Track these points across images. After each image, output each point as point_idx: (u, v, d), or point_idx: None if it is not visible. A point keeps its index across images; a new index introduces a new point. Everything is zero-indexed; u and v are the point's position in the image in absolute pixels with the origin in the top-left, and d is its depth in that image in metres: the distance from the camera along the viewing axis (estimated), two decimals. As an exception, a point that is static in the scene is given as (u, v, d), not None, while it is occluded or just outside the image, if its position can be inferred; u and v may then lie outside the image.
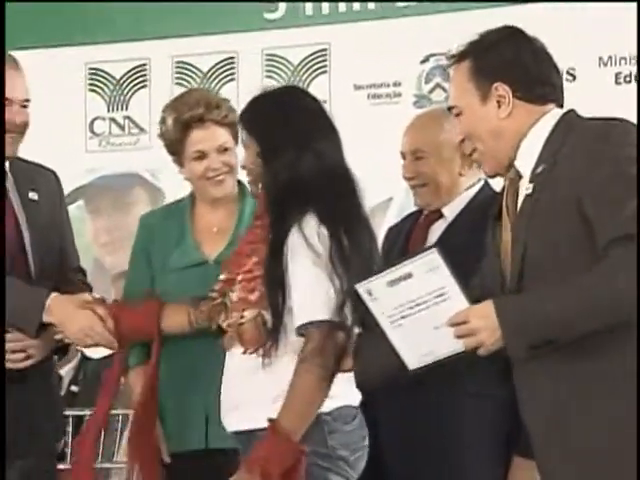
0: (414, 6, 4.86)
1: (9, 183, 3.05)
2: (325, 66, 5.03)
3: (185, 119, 2.99)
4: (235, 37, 5.08)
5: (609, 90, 4.58)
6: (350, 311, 2.51)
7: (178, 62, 5.21)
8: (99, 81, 5.32)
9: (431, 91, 4.88)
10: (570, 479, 2.31)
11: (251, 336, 2.59)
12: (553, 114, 2.38)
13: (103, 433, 4.35)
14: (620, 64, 4.62)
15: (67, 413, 3.66)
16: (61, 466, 3.86)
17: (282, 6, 5.06)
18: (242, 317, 2.61)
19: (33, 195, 3.07)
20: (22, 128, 3.01)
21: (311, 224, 2.55)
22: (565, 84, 2.46)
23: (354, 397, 2.66)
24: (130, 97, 5.31)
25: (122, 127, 5.32)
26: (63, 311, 2.85)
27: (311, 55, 5.04)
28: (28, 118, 3.02)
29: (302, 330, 2.53)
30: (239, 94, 3.10)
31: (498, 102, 2.38)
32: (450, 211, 2.94)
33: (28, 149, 3.09)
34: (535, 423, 2.38)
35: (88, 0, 5.18)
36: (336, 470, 2.59)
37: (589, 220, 2.24)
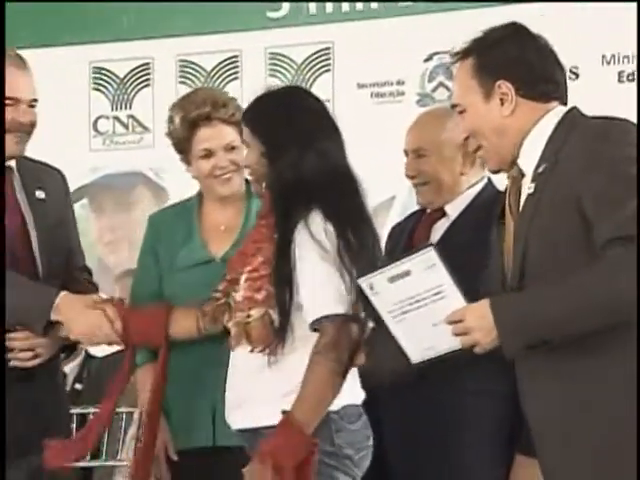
0: (417, 5, 4.86)
1: (16, 182, 3.05)
2: (328, 65, 5.04)
3: (192, 117, 3.00)
4: (239, 36, 5.09)
5: (612, 88, 4.59)
6: (362, 306, 2.52)
7: (182, 61, 5.22)
8: (103, 80, 5.33)
9: (434, 90, 4.89)
10: (571, 478, 2.32)
11: (259, 335, 2.60)
12: (556, 112, 2.38)
13: (107, 431, 4.39)
14: (623, 62, 4.62)
15: (71, 411, 3.66)
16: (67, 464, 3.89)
17: (285, 5, 5.07)
18: (249, 316, 2.62)
19: (40, 194, 3.07)
20: (29, 128, 3.01)
21: (317, 221, 2.56)
22: (568, 82, 2.45)
23: (358, 396, 2.67)
24: (134, 96, 5.31)
25: (126, 126, 5.33)
26: (72, 310, 2.85)
27: (314, 54, 5.05)
28: (35, 118, 3.02)
29: (316, 325, 2.55)
30: (243, 93, 3.09)
31: (501, 100, 2.38)
32: (453, 210, 2.95)
33: (32, 148, 3.09)
34: (536, 421, 2.38)
35: (92, 0, 5.19)
36: (342, 468, 2.59)
37: (588, 220, 2.24)
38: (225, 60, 5.16)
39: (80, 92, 5.28)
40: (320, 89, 4.91)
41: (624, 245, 2.17)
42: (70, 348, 3.12)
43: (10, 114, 2.96)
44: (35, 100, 3.02)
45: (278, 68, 5.09)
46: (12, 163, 3.06)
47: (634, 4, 4.24)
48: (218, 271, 2.82)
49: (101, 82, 5.33)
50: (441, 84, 4.87)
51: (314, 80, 5.04)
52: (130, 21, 5.20)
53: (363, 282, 2.41)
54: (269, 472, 2.44)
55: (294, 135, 2.63)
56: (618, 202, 2.20)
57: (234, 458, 2.74)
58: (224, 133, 2.97)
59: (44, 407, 2.99)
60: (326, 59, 5.04)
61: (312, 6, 5.03)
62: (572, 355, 2.27)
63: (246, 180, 3.05)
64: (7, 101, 2.97)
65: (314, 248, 2.54)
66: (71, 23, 5.25)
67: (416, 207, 3.08)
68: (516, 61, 2.38)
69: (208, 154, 3.01)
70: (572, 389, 2.29)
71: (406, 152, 3.00)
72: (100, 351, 4.62)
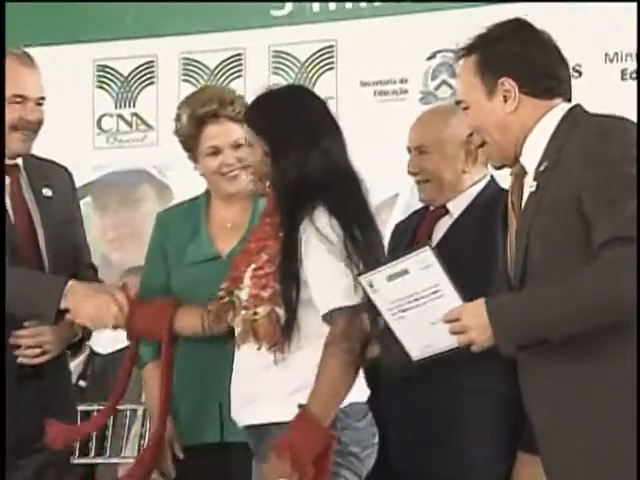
0: (420, 2, 4.87)
1: (23, 180, 3.06)
2: (332, 63, 5.04)
3: (199, 115, 3.01)
4: (242, 34, 5.09)
5: (615, 86, 4.58)
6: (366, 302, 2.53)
7: (185, 59, 5.22)
8: (107, 78, 5.33)
9: (437, 88, 4.89)
10: (571, 477, 2.32)
11: (266, 332, 2.61)
12: (559, 109, 2.38)
13: (111, 428, 4.39)
14: (626, 60, 4.62)
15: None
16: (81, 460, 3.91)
17: (289, 3, 5.07)
18: (255, 314, 2.63)
19: (47, 192, 3.08)
20: (36, 126, 3.02)
21: (322, 217, 2.59)
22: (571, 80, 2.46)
23: (364, 393, 2.68)
24: (137, 94, 5.32)
25: (129, 124, 5.33)
26: (80, 294, 2.86)
27: (318, 52, 5.05)
28: (42, 116, 3.03)
29: (327, 318, 2.56)
30: (246, 91, 3.10)
31: (504, 97, 2.39)
32: (456, 207, 2.95)
33: (36, 145, 3.10)
34: (537, 420, 2.39)
35: (95, 0, 5.20)
36: (348, 466, 2.60)
37: (587, 219, 2.24)
38: (229, 58, 5.16)
39: (84, 90, 5.28)
40: (323, 87, 4.92)
41: (624, 245, 2.17)
42: (76, 345, 3.13)
43: (17, 112, 2.97)
44: (43, 98, 3.03)
45: (281, 66, 5.09)
46: (19, 161, 3.07)
47: (634, 4, 4.24)
48: (224, 268, 2.83)
49: (105, 80, 5.33)
50: (444, 82, 4.87)
51: (317, 78, 5.04)
52: (134, 19, 5.21)
53: (363, 280, 2.43)
54: (288, 466, 2.46)
55: (297, 134, 2.64)
56: (617, 202, 2.20)
57: (241, 454, 2.76)
58: (231, 130, 2.98)
59: (52, 405, 2.99)
60: (329, 57, 5.04)
61: (315, 4, 5.04)
62: (572, 355, 2.27)
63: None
64: (15, 99, 2.98)
65: (320, 243, 2.56)
66: (75, 21, 5.26)
67: (419, 205, 3.09)
68: (519, 58, 2.38)
69: (215, 151, 3.02)
70: (573, 389, 2.29)
71: (409, 149, 3.01)
72: (104, 348, 4.63)
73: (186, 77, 5.21)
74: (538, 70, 2.39)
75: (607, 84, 4.56)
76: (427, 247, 2.37)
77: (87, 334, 3.12)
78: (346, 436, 2.60)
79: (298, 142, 2.64)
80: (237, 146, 2.98)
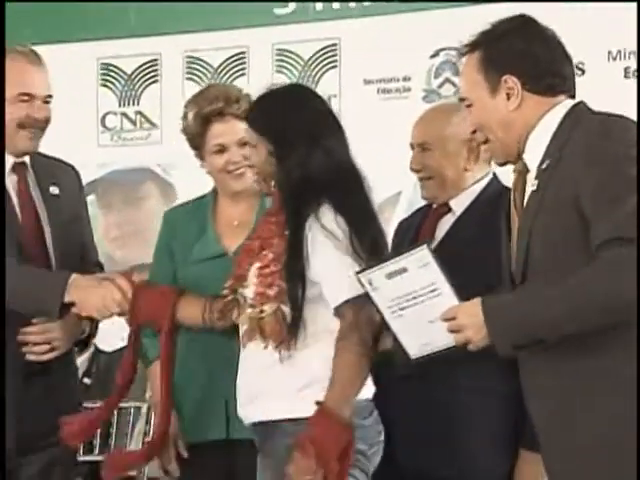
0: (423, 2, 4.87)
1: (30, 178, 3.07)
2: (335, 61, 5.04)
3: (205, 113, 3.02)
4: (246, 32, 5.09)
5: (618, 84, 4.58)
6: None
7: (189, 57, 5.23)
8: (111, 76, 5.34)
9: (440, 86, 4.89)
10: (572, 475, 2.33)
11: (272, 330, 2.62)
12: (562, 106, 2.38)
13: (115, 426, 4.40)
14: (629, 58, 4.61)
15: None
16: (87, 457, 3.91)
17: (292, 2, 5.08)
18: (261, 312, 2.64)
19: (54, 190, 3.08)
20: (43, 124, 3.03)
21: (327, 214, 2.61)
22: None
23: (369, 391, 2.69)
24: (141, 92, 5.32)
25: (133, 122, 5.34)
26: (84, 286, 2.86)
27: (321, 50, 5.05)
28: (50, 114, 3.03)
29: (337, 313, 2.58)
30: (250, 89, 3.12)
31: (507, 94, 2.39)
32: (458, 205, 2.95)
33: (40, 143, 3.11)
34: (539, 419, 2.40)
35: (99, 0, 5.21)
36: (355, 463, 2.61)
37: (586, 219, 2.24)
38: (232, 56, 5.17)
39: (88, 88, 5.28)
40: (327, 85, 4.93)
41: (623, 246, 2.17)
42: (84, 342, 3.13)
43: (25, 110, 2.98)
44: (50, 96, 3.04)
45: (285, 64, 5.09)
46: (26, 159, 3.07)
47: (634, 4, 4.24)
48: (231, 265, 2.84)
49: (109, 78, 5.34)
50: (447, 80, 4.87)
51: (321, 76, 5.05)
52: (137, 18, 5.21)
53: (362, 277, 2.45)
54: (313, 463, 2.47)
55: (301, 133, 2.66)
56: (617, 202, 2.19)
57: (246, 451, 2.77)
58: (237, 128, 2.98)
59: (59, 401, 3.00)
60: (333, 55, 5.04)
61: (319, 3, 5.04)
62: (573, 354, 2.28)
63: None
64: (22, 97, 2.98)
65: (327, 239, 2.58)
66: (79, 20, 5.26)
67: (422, 203, 3.10)
68: (522, 55, 2.38)
69: (221, 149, 3.03)
70: (574, 387, 2.30)
71: (412, 146, 3.02)
72: (109, 346, 4.64)
73: (190, 75, 5.22)
74: (541, 67, 2.39)
75: (610, 82, 4.55)
76: (425, 246, 2.39)
77: (94, 330, 3.12)
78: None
79: (301, 141, 2.65)
80: (243, 144, 2.99)
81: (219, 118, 3.03)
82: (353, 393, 2.57)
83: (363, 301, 2.53)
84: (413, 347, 2.44)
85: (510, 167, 2.48)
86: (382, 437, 2.68)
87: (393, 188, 4.62)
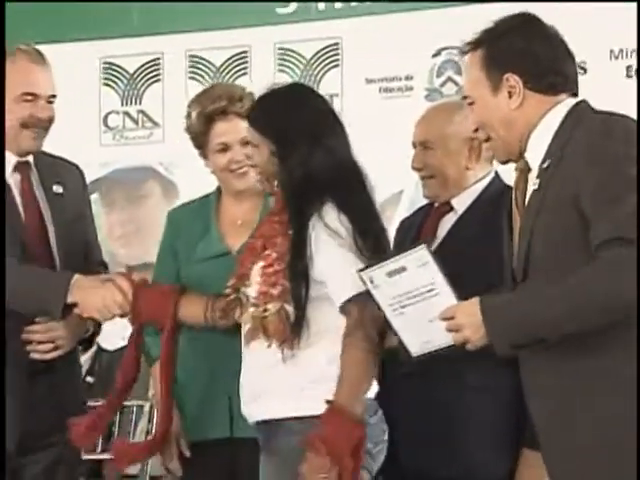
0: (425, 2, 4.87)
1: (34, 177, 3.07)
2: (337, 60, 5.04)
3: (208, 112, 3.03)
4: (248, 31, 5.10)
5: (620, 83, 4.58)
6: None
7: (191, 56, 5.24)
8: (113, 75, 5.35)
9: (442, 85, 4.89)
10: (572, 475, 2.33)
11: (275, 329, 2.63)
12: (564, 104, 2.38)
13: (117, 425, 4.41)
14: (631, 57, 4.61)
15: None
16: (89, 456, 3.91)
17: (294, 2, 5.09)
18: (265, 311, 2.65)
19: (58, 189, 3.08)
20: (47, 123, 3.02)
21: (330, 213, 2.62)
22: (576, 77, 2.46)
23: (373, 389, 2.69)
24: (144, 91, 5.33)
25: (136, 121, 5.34)
26: (86, 287, 2.86)
27: (323, 49, 5.06)
28: (53, 113, 3.03)
29: (343, 310, 2.59)
30: (252, 88, 3.12)
31: (509, 93, 2.38)
32: (460, 204, 2.96)
33: (43, 143, 3.12)
34: (539, 419, 2.40)
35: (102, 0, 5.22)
36: None
37: (586, 218, 2.24)
38: (234, 55, 5.17)
39: (90, 88, 5.29)
40: (329, 84, 4.94)
41: (622, 246, 2.17)
42: (88, 341, 3.13)
43: (28, 110, 2.98)
44: (54, 96, 3.04)
45: (287, 63, 5.10)
46: (30, 158, 3.07)
47: (634, 4, 4.24)
48: (234, 264, 2.84)
49: (111, 78, 5.35)
50: (449, 79, 4.87)
51: (323, 75, 5.05)
52: (140, 17, 5.22)
53: (364, 275, 2.46)
54: (326, 461, 2.48)
55: (303, 133, 2.67)
56: (617, 202, 2.19)
57: (249, 449, 2.77)
58: (240, 127, 2.98)
59: (63, 400, 3.00)
60: (335, 54, 5.05)
61: (321, 2, 5.04)
62: (574, 353, 2.28)
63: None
64: (26, 97, 2.98)
65: (330, 238, 2.59)
66: (81, 19, 5.27)
67: (424, 201, 3.10)
68: (524, 53, 2.38)
69: (224, 148, 3.04)
70: (574, 387, 2.30)
71: (414, 144, 3.02)
72: (111, 345, 4.64)
73: (192, 74, 5.22)
74: (543, 66, 2.38)
75: (612, 81, 4.55)
76: (424, 246, 2.40)
77: (98, 329, 3.12)
78: None
79: (303, 141, 2.66)
80: (246, 143, 2.99)
81: (222, 117, 3.03)
82: (362, 389, 2.58)
83: (367, 298, 2.53)
84: (414, 345, 2.44)
85: (512, 166, 2.48)
86: (386, 436, 2.69)
87: (395, 187, 4.63)
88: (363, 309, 2.55)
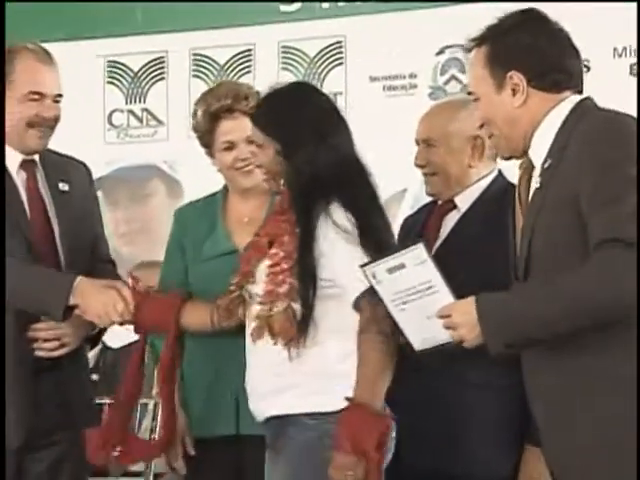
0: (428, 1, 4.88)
1: (39, 175, 3.07)
2: (341, 58, 5.05)
3: (213, 110, 3.03)
4: (252, 30, 5.11)
5: (624, 81, 4.58)
6: None
7: (195, 55, 5.24)
8: (117, 74, 5.35)
9: (446, 83, 4.90)
10: (572, 474, 2.33)
11: (281, 327, 2.63)
12: (568, 102, 2.37)
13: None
14: (635, 55, 4.61)
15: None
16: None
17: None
18: (271, 309, 2.66)
19: (64, 186, 3.08)
20: (53, 123, 3.02)
21: (337, 211, 2.63)
22: (579, 75, 2.46)
23: None
24: (148, 89, 5.34)
25: (140, 119, 5.35)
26: (88, 291, 2.87)
27: (327, 47, 5.06)
28: (59, 113, 3.03)
29: (356, 307, 2.60)
30: (256, 86, 3.13)
31: (513, 90, 2.38)
32: (463, 202, 2.96)
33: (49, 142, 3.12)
34: (540, 418, 2.40)
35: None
36: None
37: (584, 219, 2.23)
38: (238, 54, 5.18)
39: (95, 86, 5.30)
40: (332, 82, 4.94)
41: (616, 247, 2.16)
42: (94, 339, 3.13)
43: (35, 109, 2.98)
44: (60, 95, 3.03)
45: (291, 62, 5.10)
46: (36, 156, 3.07)
47: (634, 4, 4.24)
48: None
49: (115, 76, 5.35)
50: (453, 77, 4.88)
51: (327, 73, 5.06)
52: (144, 15, 5.22)
53: (367, 270, 2.47)
54: (352, 458, 2.49)
55: (307, 131, 2.68)
56: (614, 202, 2.18)
57: (256, 447, 2.78)
58: (245, 125, 2.96)
59: (70, 398, 3.00)
60: (338, 53, 5.05)
61: (324, 2, 5.05)
62: (573, 353, 2.28)
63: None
64: (32, 96, 2.98)
65: (338, 235, 2.60)
66: (85, 18, 5.27)
67: (428, 199, 3.10)
68: (528, 51, 2.37)
69: (230, 146, 3.04)
70: (573, 387, 2.30)
71: (417, 141, 3.02)
72: (116, 342, 4.65)
73: (196, 73, 5.23)
74: (547, 63, 2.37)
75: (615, 79, 4.55)
76: (421, 244, 2.41)
77: (104, 327, 3.13)
78: None
79: (308, 139, 2.67)
80: (251, 141, 2.99)
81: (227, 115, 3.04)
82: (381, 384, 2.58)
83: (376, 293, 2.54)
84: (417, 340, 2.46)
85: (516, 164, 2.48)
86: (394, 433, 2.69)
87: (399, 185, 4.63)
88: (375, 305, 2.56)
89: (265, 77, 4.48)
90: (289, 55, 5.12)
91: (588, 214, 2.22)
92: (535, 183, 2.36)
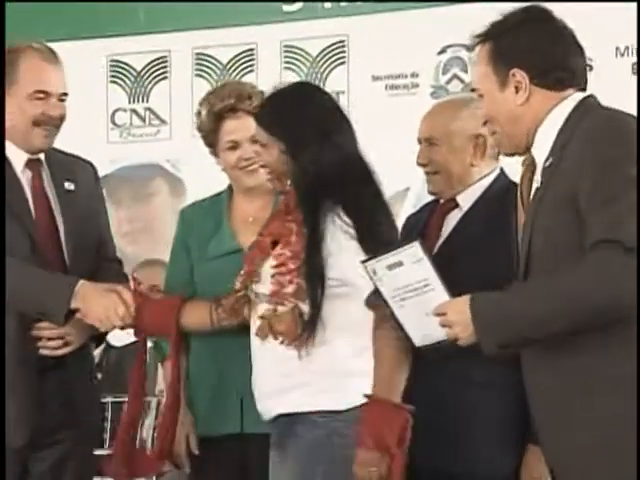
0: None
1: (45, 174, 3.07)
2: (343, 57, 5.05)
3: (217, 110, 3.04)
4: (254, 29, 5.11)
5: (626, 80, 4.58)
6: None
7: (198, 54, 5.25)
8: (120, 73, 5.36)
9: (448, 82, 4.90)
10: (572, 474, 2.33)
11: (286, 328, 2.64)
12: (571, 100, 2.37)
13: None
14: (637, 54, 4.61)
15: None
16: (98, 452, 3.91)
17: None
18: (277, 309, 2.66)
19: (69, 185, 3.08)
20: (58, 121, 3.03)
21: (344, 209, 2.64)
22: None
23: None
24: (151, 89, 5.34)
25: (143, 118, 5.36)
26: (89, 295, 2.87)
27: (329, 47, 5.07)
28: (65, 111, 3.03)
29: (368, 304, 2.62)
30: (258, 85, 3.14)
31: (516, 88, 2.37)
32: (465, 201, 2.96)
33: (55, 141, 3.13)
34: (540, 417, 2.40)
35: (109, -1, 5.24)
36: None
37: (583, 218, 2.23)
38: (241, 53, 5.18)
39: (98, 85, 5.31)
40: (335, 81, 4.95)
41: (610, 248, 2.16)
42: (99, 338, 3.14)
43: (40, 108, 2.98)
44: (65, 94, 3.04)
45: (293, 61, 5.11)
46: (41, 155, 3.07)
47: (634, 4, 4.25)
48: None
49: (118, 75, 5.36)
50: (455, 76, 4.88)
51: (329, 73, 5.06)
52: (147, 15, 5.23)
53: (368, 267, 2.48)
54: (375, 454, 2.50)
55: (312, 130, 2.69)
56: (612, 202, 2.18)
57: (260, 445, 2.79)
58: (249, 125, 2.97)
59: (74, 397, 3.00)
60: (341, 52, 5.06)
61: (327, 1, 5.06)
62: (572, 353, 2.27)
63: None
64: (37, 94, 2.98)
65: (346, 234, 2.62)
66: (88, 17, 5.28)
67: (430, 198, 3.11)
68: (531, 49, 2.36)
69: (234, 146, 3.05)
70: (573, 387, 2.29)
71: (419, 140, 3.02)
72: (119, 341, 4.66)
73: (199, 72, 5.24)
74: (550, 61, 2.37)
75: (618, 78, 4.55)
76: (416, 243, 2.42)
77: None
78: None
79: (313, 138, 2.68)
80: (255, 140, 3.00)
81: (231, 115, 3.05)
82: (399, 376, 2.60)
83: None
84: (417, 337, 2.48)
85: (518, 162, 2.49)
86: None
87: (401, 184, 4.64)
88: None
89: (268, 76, 4.49)
90: (291, 54, 5.12)
91: (586, 212, 2.21)
92: (536, 181, 2.37)
